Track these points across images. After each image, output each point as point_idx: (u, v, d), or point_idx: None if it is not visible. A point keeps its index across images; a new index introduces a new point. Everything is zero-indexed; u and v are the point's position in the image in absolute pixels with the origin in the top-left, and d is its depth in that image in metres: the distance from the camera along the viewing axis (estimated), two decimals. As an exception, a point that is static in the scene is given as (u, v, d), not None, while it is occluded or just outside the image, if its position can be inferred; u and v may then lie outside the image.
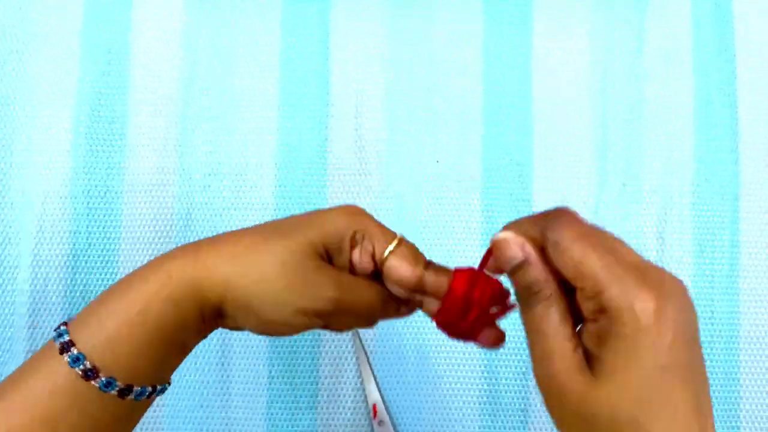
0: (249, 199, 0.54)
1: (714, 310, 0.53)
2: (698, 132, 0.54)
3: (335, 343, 0.53)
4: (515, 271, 0.28)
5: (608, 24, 0.56)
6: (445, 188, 0.54)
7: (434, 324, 0.32)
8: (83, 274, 0.53)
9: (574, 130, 0.55)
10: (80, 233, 0.54)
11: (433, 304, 0.32)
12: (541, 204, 0.54)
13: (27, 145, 0.54)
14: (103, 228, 0.54)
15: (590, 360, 0.26)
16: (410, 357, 0.53)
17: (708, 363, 0.51)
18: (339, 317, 0.32)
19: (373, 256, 0.32)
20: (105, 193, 0.54)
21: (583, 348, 0.26)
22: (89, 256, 0.53)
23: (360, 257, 0.32)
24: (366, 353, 0.52)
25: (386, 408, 0.51)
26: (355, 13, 0.56)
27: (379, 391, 0.51)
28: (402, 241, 0.33)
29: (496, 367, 0.52)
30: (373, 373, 0.52)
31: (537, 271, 0.27)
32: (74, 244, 0.53)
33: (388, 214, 0.54)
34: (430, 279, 0.31)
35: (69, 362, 0.28)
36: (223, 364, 0.52)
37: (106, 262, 0.53)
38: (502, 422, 0.52)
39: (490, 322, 0.31)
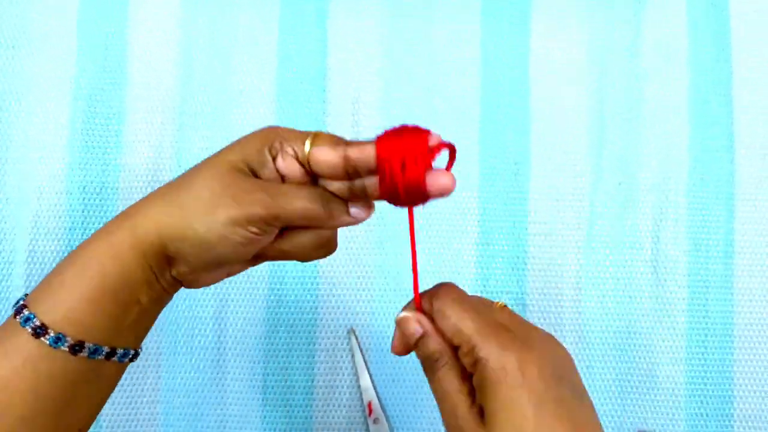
0: (245, 196, 0.54)
1: (708, 308, 0.53)
2: (694, 131, 0.55)
3: (331, 340, 0.53)
4: (416, 344, 0.32)
5: (606, 24, 0.56)
6: (441, 186, 0.54)
7: (387, 204, 0.31)
8: (79, 270, 0.53)
9: (570, 129, 0.55)
10: (76, 229, 0.53)
11: (374, 185, 0.31)
12: (537, 202, 0.54)
13: (23, 141, 0.54)
14: (99, 224, 0.53)
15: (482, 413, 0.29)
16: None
17: (702, 361, 0.52)
18: (285, 236, 0.32)
19: (297, 160, 0.32)
20: (101, 189, 0.54)
21: (479, 403, 0.29)
22: (85, 252, 0.53)
23: (285, 164, 0.32)
24: (362, 351, 0.52)
25: (381, 405, 0.51)
26: (353, 12, 0.56)
27: (375, 388, 0.51)
28: (319, 134, 0.32)
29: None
30: (368, 370, 0.52)
31: (434, 342, 0.31)
32: (70, 240, 0.53)
33: (384, 214, 0.54)
34: (355, 153, 0.30)
35: (20, 323, 0.29)
36: (218, 362, 0.52)
37: (102, 259, 0.53)
38: (498, 420, 0.52)
39: (429, 166, 0.30)
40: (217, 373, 0.52)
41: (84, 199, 0.54)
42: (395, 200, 0.31)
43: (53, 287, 0.30)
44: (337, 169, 0.31)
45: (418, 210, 0.53)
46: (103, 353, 0.30)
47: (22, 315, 0.29)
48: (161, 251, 0.31)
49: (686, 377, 0.52)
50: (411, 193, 0.30)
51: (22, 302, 0.30)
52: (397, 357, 0.52)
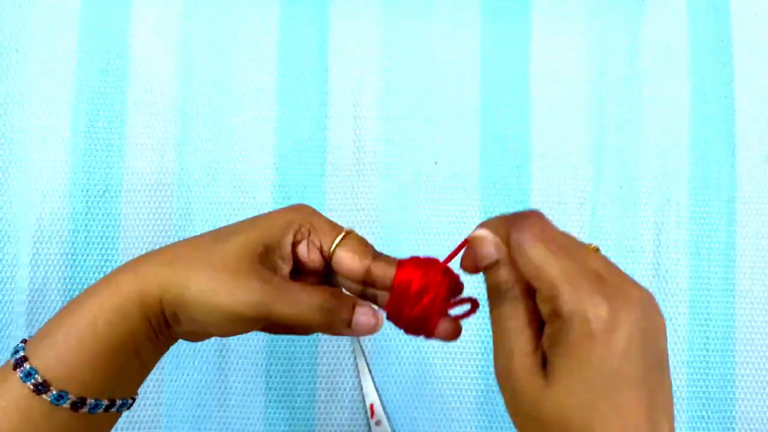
0: (247, 198, 0.54)
1: (710, 311, 0.53)
2: (695, 133, 0.55)
3: (333, 343, 0.53)
4: (488, 269, 0.28)
5: (606, 24, 0.56)
6: (443, 189, 0.54)
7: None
8: (82, 273, 0.53)
9: (571, 131, 0.55)
10: (79, 232, 0.54)
11: (386, 298, 0.31)
12: (539, 205, 0.54)
13: (26, 144, 0.54)
14: (102, 227, 0.54)
15: (546, 364, 0.26)
16: (408, 357, 0.53)
17: (704, 364, 0.52)
18: (273, 326, 0.31)
19: (321, 251, 0.32)
20: (104, 192, 0.54)
21: (542, 351, 0.26)
22: (88, 255, 0.53)
23: (308, 252, 0.31)
24: (364, 353, 0.52)
25: (383, 408, 0.51)
26: (353, 13, 0.56)
27: (377, 390, 0.52)
28: (350, 233, 0.32)
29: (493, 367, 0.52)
30: (370, 372, 0.52)
31: (508, 272, 0.28)
32: (73, 243, 0.53)
33: (386, 215, 0.54)
34: (378, 270, 0.30)
35: (21, 377, 0.28)
36: (220, 364, 0.53)
37: (105, 261, 0.54)
38: (500, 422, 0.52)
39: (443, 312, 0.30)
40: (220, 375, 0.52)
41: (87, 202, 0.54)
42: (395, 320, 0.31)
43: (57, 340, 0.29)
44: (357, 277, 0.31)
45: (416, 211, 0.53)
46: (103, 407, 0.30)
47: (23, 369, 0.28)
48: (163, 313, 0.30)
49: (688, 380, 0.52)
50: (411, 329, 0.31)
51: (22, 353, 0.29)
52: (399, 359, 0.52)
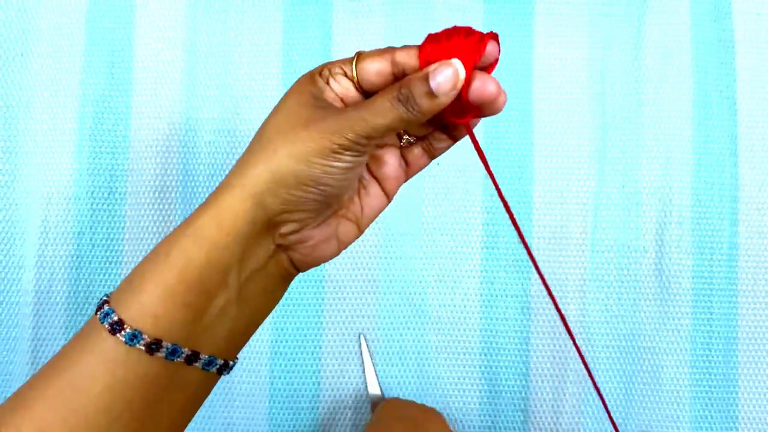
0: (251, 200, 0.55)
1: (713, 311, 0.53)
2: (697, 134, 0.55)
3: (337, 345, 0.53)
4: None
5: (608, 27, 0.56)
6: (446, 190, 0.55)
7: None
8: (87, 275, 0.54)
9: (573, 131, 0.55)
10: (84, 234, 0.54)
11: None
12: (541, 205, 0.54)
13: (31, 147, 0.55)
14: (107, 229, 0.54)
15: None
16: (411, 358, 0.53)
17: (706, 364, 0.52)
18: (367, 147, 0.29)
19: (347, 78, 0.30)
20: (109, 194, 0.55)
21: None
22: (93, 257, 0.54)
23: (338, 86, 0.30)
24: (371, 355, 0.52)
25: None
26: (356, 17, 0.56)
27: (381, 391, 0.52)
28: (362, 51, 0.31)
29: (496, 368, 0.53)
30: (375, 373, 0.52)
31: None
32: (78, 245, 0.54)
33: (389, 217, 0.54)
34: (403, 57, 0.29)
35: (99, 318, 0.27)
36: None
37: (110, 263, 0.54)
38: (503, 422, 0.52)
39: (470, 67, 0.28)
40: (225, 377, 0.53)
41: (92, 204, 0.54)
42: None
43: (134, 281, 0.28)
44: (387, 77, 0.29)
45: (419, 212, 0.53)
46: (183, 356, 0.27)
47: (102, 310, 0.27)
48: (263, 212, 0.28)
49: (690, 380, 0.52)
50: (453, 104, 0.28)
51: (105, 298, 0.28)
52: (403, 360, 0.53)
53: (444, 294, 0.53)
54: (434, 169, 0.55)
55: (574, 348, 0.52)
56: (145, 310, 0.27)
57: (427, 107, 0.28)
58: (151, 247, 0.54)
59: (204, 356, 0.28)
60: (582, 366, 0.50)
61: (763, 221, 0.54)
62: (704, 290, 0.53)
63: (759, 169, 0.55)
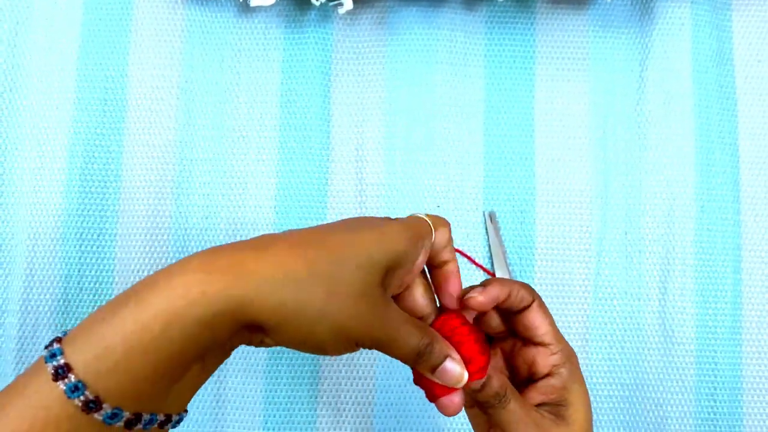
0: (246, 242, 0.53)
1: (717, 361, 0.52)
2: (699, 180, 0.54)
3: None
4: (480, 390, 0.32)
5: (609, 70, 0.56)
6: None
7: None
8: (74, 320, 0.52)
9: (576, 177, 0.54)
10: (72, 277, 0.52)
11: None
12: (543, 252, 0.53)
13: (18, 185, 0.53)
14: (96, 272, 0.52)
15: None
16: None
17: (711, 415, 0.51)
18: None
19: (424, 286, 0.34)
20: (98, 236, 0.53)
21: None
22: (81, 301, 0.52)
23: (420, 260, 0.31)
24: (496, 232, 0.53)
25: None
26: (355, 57, 0.56)
27: (509, 274, 0.53)
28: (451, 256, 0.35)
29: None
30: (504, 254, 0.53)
31: (499, 381, 0.32)
32: (65, 289, 0.52)
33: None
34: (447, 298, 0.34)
35: (66, 391, 0.23)
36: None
37: (98, 307, 0.52)
38: None
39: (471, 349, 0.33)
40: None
41: (80, 246, 0.52)
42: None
43: (114, 353, 0.24)
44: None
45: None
46: (157, 422, 0.26)
47: (67, 382, 0.24)
48: (256, 323, 0.26)
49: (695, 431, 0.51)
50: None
51: (62, 359, 0.24)
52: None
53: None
54: (434, 211, 0.53)
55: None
56: (127, 389, 0.24)
57: (423, 372, 0.31)
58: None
59: (174, 416, 0.27)
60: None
61: (767, 270, 0.53)
62: (708, 340, 0.52)
63: (761, 216, 0.54)
